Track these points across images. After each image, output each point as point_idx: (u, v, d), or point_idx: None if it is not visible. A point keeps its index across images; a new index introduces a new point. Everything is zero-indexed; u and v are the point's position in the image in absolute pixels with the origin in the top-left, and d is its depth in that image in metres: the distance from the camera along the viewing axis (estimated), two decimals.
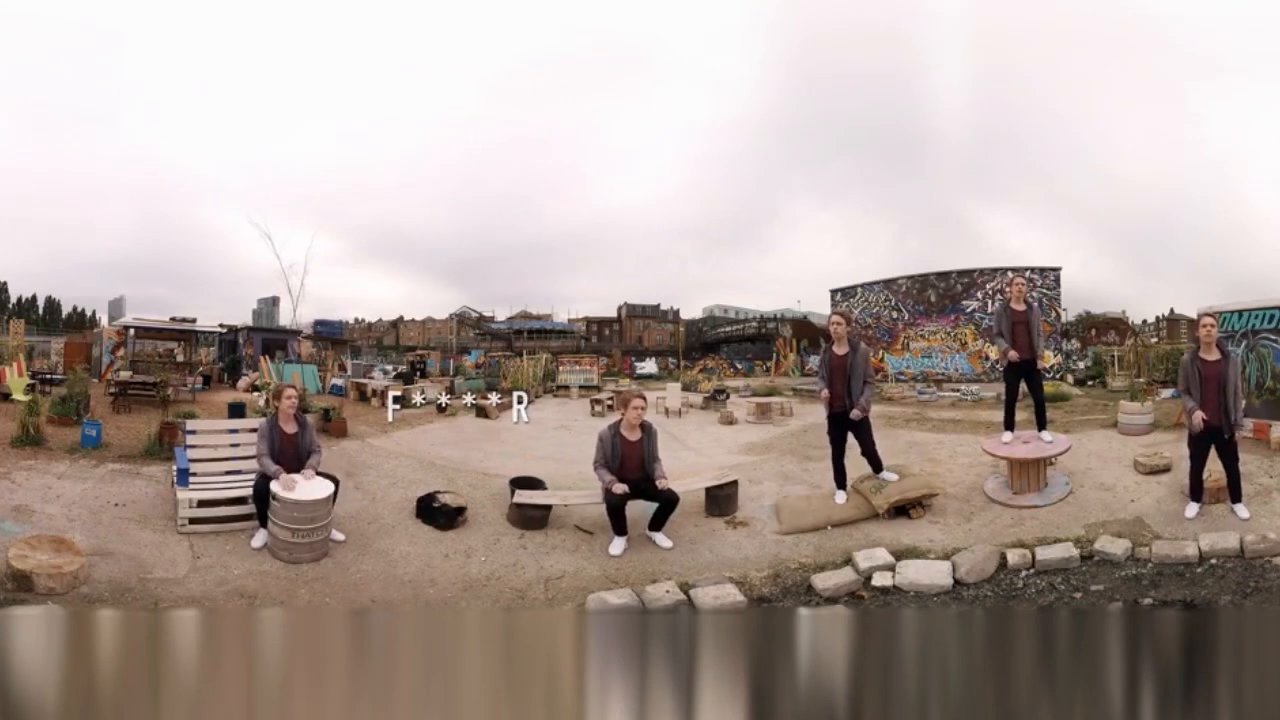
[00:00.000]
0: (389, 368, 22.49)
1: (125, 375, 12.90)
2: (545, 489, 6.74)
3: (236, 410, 9.77)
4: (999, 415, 8.03)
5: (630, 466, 5.81)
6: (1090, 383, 17.79)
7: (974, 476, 7.18)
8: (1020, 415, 7.35)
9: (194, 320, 19.88)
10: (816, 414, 9.06)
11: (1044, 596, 4.57)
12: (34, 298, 52.18)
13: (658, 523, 5.87)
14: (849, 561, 5.16)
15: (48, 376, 13.29)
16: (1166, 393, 12.16)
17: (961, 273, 20.51)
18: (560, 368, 20.76)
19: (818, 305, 42.79)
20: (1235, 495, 5.70)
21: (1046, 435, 6.93)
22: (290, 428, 5.73)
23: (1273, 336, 8.03)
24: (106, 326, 23.75)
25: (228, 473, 6.16)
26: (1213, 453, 5.70)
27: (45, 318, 49.17)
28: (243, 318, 39.60)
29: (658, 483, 5.76)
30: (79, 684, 2.35)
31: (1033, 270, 19.17)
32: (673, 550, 5.71)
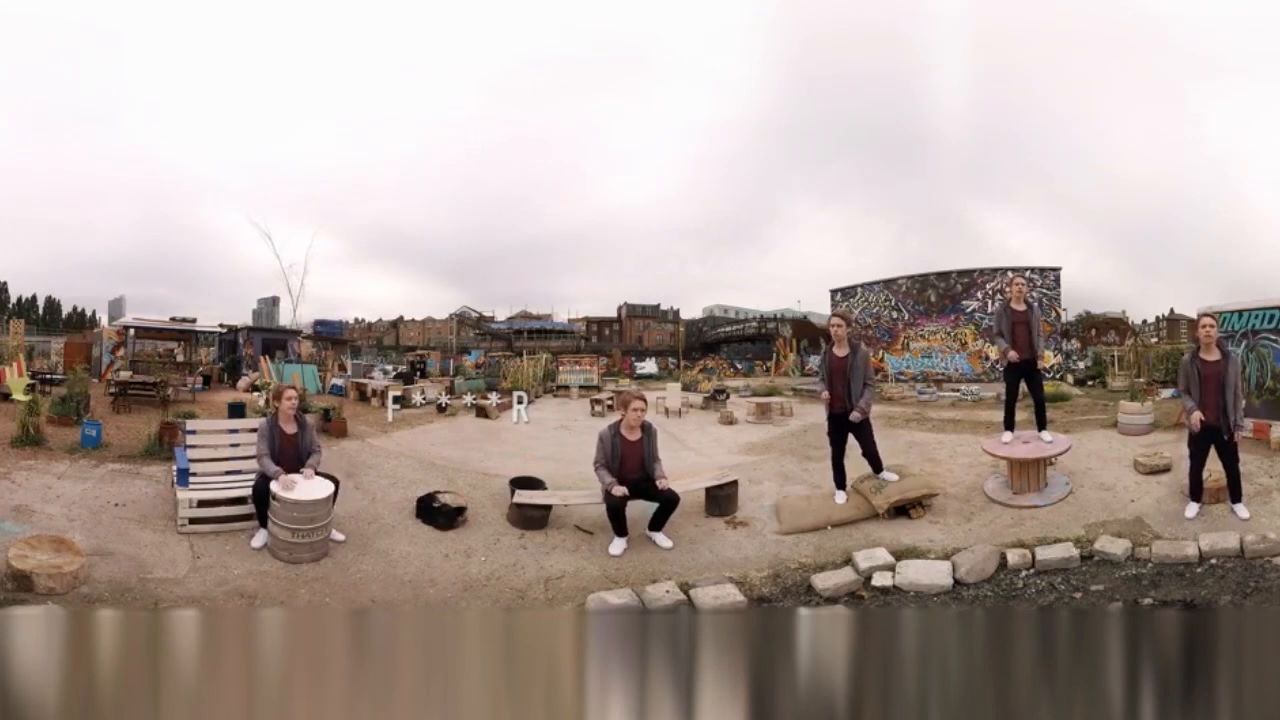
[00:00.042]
0: (389, 368, 22.50)
1: (125, 375, 12.91)
2: (545, 489, 6.74)
3: (236, 410, 9.78)
4: (999, 415, 8.04)
5: (630, 466, 5.81)
6: (1090, 383, 17.80)
7: (974, 476, 7.18)
8: (1020, 415, 7.35)
9: (194, 320, 19.89)
10: (816, 414, 9.07)
11: (1044, 596, 4.57)
12: (34, 298, 52.29)
13: (658, 523, 5.87)
14: (849, 561, 5.16)
15: (48, 376, 13.30)
16: (1166, 393, 12.16)
17: (961, 273, 20.52)
18: (560, 368, 20.77)
19: (818, 305, 42.87)
20: (1235, 495, 5.70)
21: (1046, 435, 6.94)
22: (290, 428, 5.73)
23: (1273, 336, 8.03)
24: (106, 326, 23.76)
25: (228, 473, 6.16)
26: (1213, 453, 5.70)
27: (45, 318, 49.23)
28: (243, 318, 39.71)
29: (658, 483, 5.76)
30: (79, 684, 2.35)
31: (1033, 270, 19.18)
32: (673, 550, 5.72)
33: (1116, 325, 35.43)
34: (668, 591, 4.63)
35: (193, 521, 5.50)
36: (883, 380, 19.25)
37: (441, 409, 13.40)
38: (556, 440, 11.10)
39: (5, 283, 50.81)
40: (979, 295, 19.97)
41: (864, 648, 2.68)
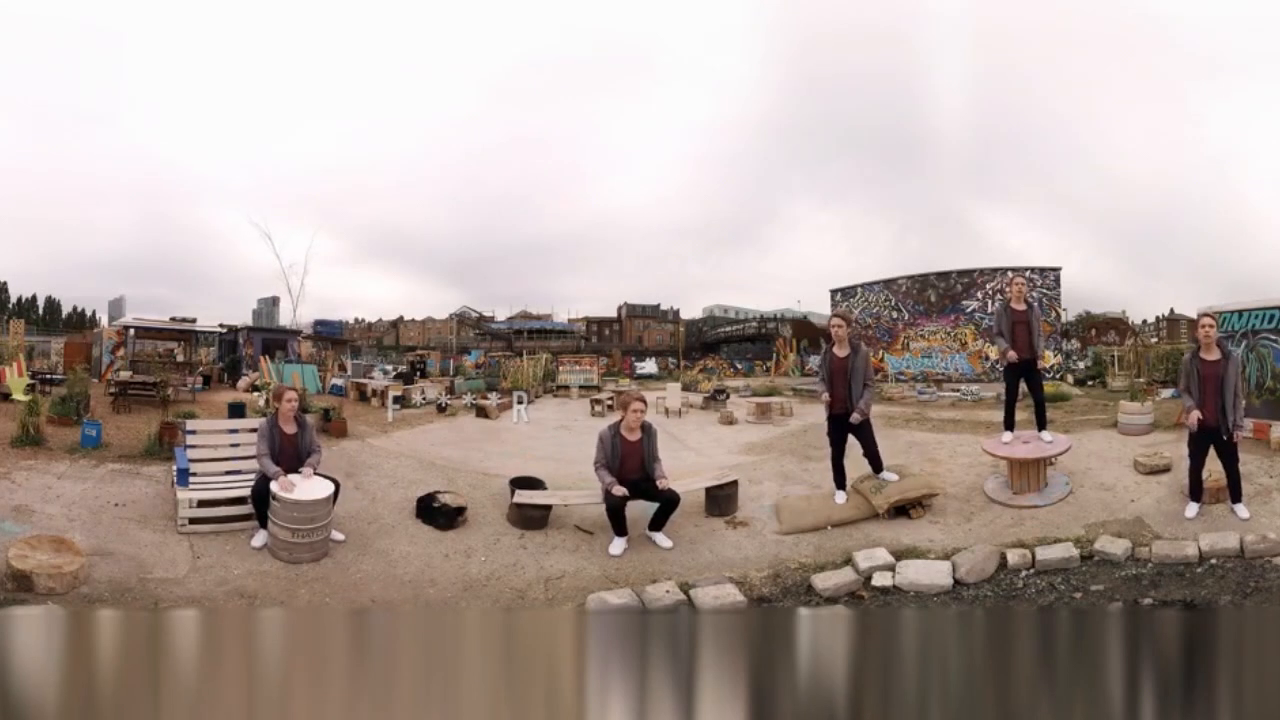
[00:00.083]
0: (389, 368, 22.49)
1: (125, 375, 12.92)
2: (545, 489, 6.74)
3: (236, 410, 9.78)
4: (999, 415, 8.04)
5: (630, 466, 5.81)
6: (1090, 383, 17.80)
7: (974, 476, 7.18)
8: (1020, 415, 7.35)
9: (194, 320, 19.89)
10: (816, 414, 9.07)
11: (1044, 596, 4.57)
12: (34, 298, 52.30)
13: (658, 523, 5.87)
14: (849, 561, 5.16)
15: (48, 376, 13.31)
16: (1166, 393, 12.16)
17: (961, 273, 20.52)
18: (560, 368, 20.77)
19: (818, 305, 42.89)
20: (1235, 495, 5.70)
21: (1046, 435, 6.94)
22: (290, 428, 5.73)
23: (1273, 336, 8.03)
24: (106, 326, 23.78)
25: (228, 473, 6.16)
26: (1213, 453, 5.71)
27: (45, 318, 49.23)
28: (243, 318, 39.72)
29: (658, 483, 5.76)
30: (79, 684, 2.35)
31: (1033, 270, 19.18)
32: (673, 550, 5.71)
33: (1116, 325, 35.44)
34: (668, 591, 4.63)
35: (193, 521, 5.50)
36: (883, 380, 19.25)
37: (441, 409, 13.40)
38: (556, 440, 11.10)
39: (5, 283, 50.85)
40: (979, 295, 19.97)
41: (864, 648, 2.68)
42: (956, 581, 4.79)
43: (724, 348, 46.38)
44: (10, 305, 49.33)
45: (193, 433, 6.45)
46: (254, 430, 6.01)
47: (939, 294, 20.58)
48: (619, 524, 5.69)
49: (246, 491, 5.56)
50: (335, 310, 54.48)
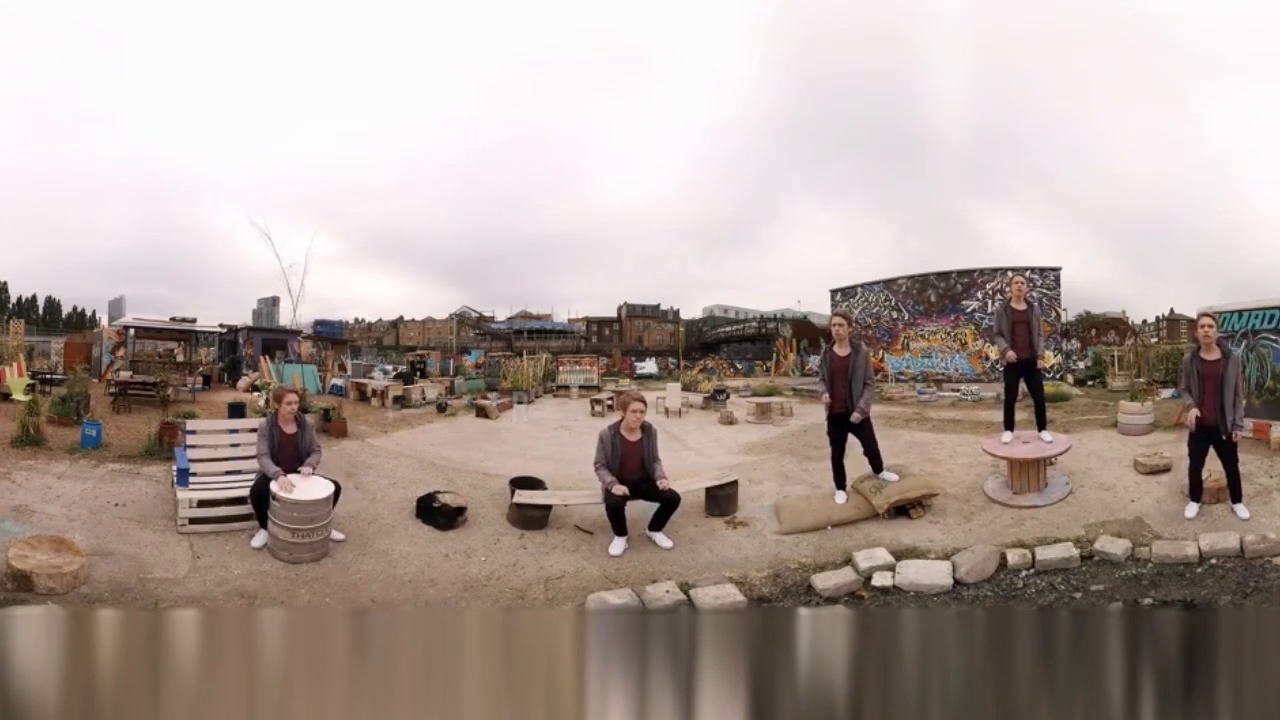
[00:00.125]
0: (389, 368, 22.48)
1: (125, 375, 12.91)
2: (545, 489, 6.74)
3: (236, 410, 9.78)
4: (999, 415, 8.04)
5: (630, 466, 5.81)
6: (1090, 383, 17.80)
7: (974, 476, 7.19)
8: (1020, 415, 7.35)
9: (194, 320, 19.90)
10: (816, 414, 9.07)
11: (1044, 596, 4.57)
12: (34, 298, 52.28)
13: (658, 523, 5.87)
14: (849, 561, 5.16)
15: (48, 376, 13.31)
16: (1166, 393, 12.16)
17: (961, 273, 20.52)
18: (560, 368, 20.77)
19: (818, 305, 42.90)
20: (1235, 495, 5.70)
21: (1046, 435, 6.94)
22: (290, 428, 5.73)
23: (1273, 336, 8.04)
24: (106, 326, 23.78)
25: (228, 473, 6.16)
26: (1213, 452, 5.71)
27: (45, 318, 49.23)
28: (243, 318, 39.72)
29: (659, 483, 5.76)
30: (79, 684, 2.35)
31: (1033, 270, 19.18)
32: (673, 550, 5.71)
33: (1116, 325, 35.44)
34: (668, 591, 4.63)
35: (193, 521, 5.50)
36: (883, 380, 19.25)
37: (442, 409, 13.40)
38: (556, 440, 11.10)
39: (5, 283, 50.84)
40: (979, 295, 19.97)
41: (864, 648, 2.68)
42: (956, 581, 4.79)
43: (724, 348, 46.37)
44: (10, 305, 49.33)
45: (193, 433, 6.45)
46: (254, 430, 6.01)
47: (939, 294, 20.58)
48: (619, 524, 5.69)
49: (246, 491, 5.56)
50: (335, 310, 54.50)
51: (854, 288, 22.36)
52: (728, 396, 16.23)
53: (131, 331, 18.37)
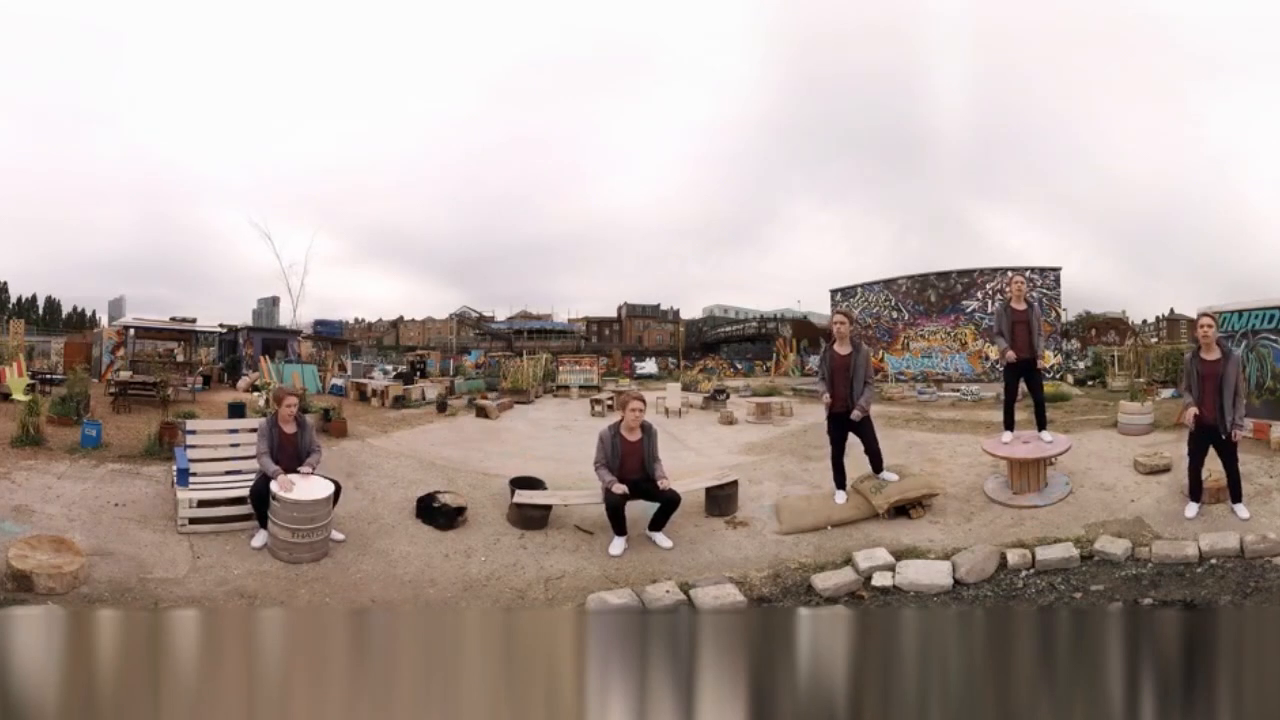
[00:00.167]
0: (389, 368, 22.49)
1: (125, 375, 12.91)
2: (545, 489, 6.74)
3: (236, 410, 9.78)
4: (999, 415, 8.04)
5: (630, 466, 5.81)
6: (1090, 383, 17.80)
7: (974, 476, 7.18)
8: (1020, 415, 7.35)
9: (194, 320, 19.89)
10: (816, 414, 9.07)
11: (1044, 596, 4.57)
12: (34, 298, 52.30)
13: (658, 523, 5.87)
14: (849, 561, 5.16)
15: (48, 376, 13.31)
16: (1166, 393, 12.17)
17: (961, 273, 20.52)
18: (560, 368, 20.76)
19: (818, 305, 42.89)
20: (1235, 495, 5.70)
21: (1046, 435, 6.94)
22: (290, 428, 5.73)
23: (1273, 336, 8.04)
24: (106, 326, 23.78)
25: (228, 473, 6.16)
26: (1213, 452, 5.71)
27: (45, 318, 49.24)
28: (243, 318, 39.72)
29: (659, 483, 5.76)
30: (79, 684, 2.35)
31: (1033, 270, 19.18)
32: (673, 550, 5.71)
33: (1116, 325, 35.43)
34: (668, 591, 4.63)
35: (193, 521, 5.50)
36: (883, 380, 19.25)
37: (442, 409, 13.40)
38: (556, 440, 11.10)
39: (5, 283, 50.86)
40: (979, 295, 19.97)
41: (864, 648, 2.68)
42: (956, 581, 4.79)
43: (724, 348, 46.36)
44: (10, 305, 49.34)
45: (193, 433, 6.45)
46: (254, 430, 6.01)
47: (939, 294, 20.58)
48: (619, 523, 5.69)
49: (246, 491, 5.56)
50: (335, 310, 54.52)
51: (854, 288, 22.36)
52: (728, 396, 16.23)
53: (131, 331, 18.37)
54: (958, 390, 16.18)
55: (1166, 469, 6.71)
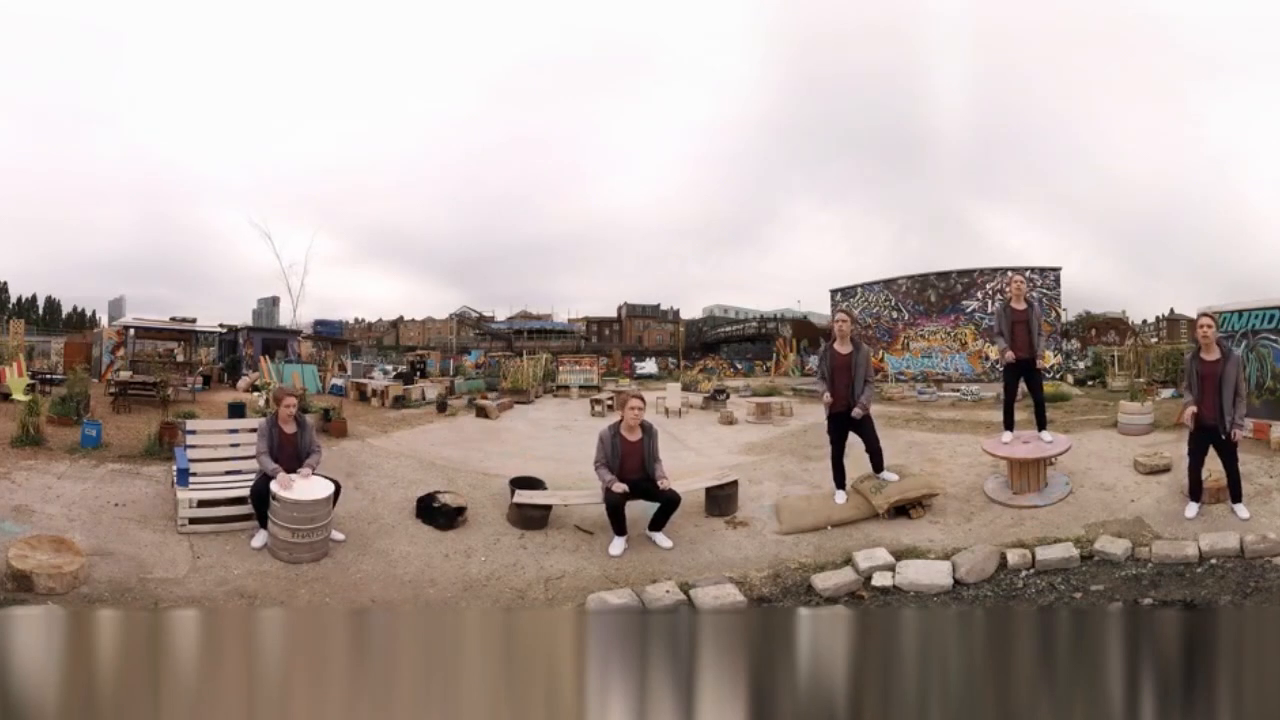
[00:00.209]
0: (389, 368, 22.49)
1: (125, 375, 12.91)
2: (545, 489, 6.74)
3: (236, 410, 9.78)
4: (999, 415, 8.04)
5: (630, 466, 5.81)
6: (1090, 383, 17.80)
7: (974, 476, 7.18)
8: (1020, 415, 7.35)
9: (194, 320, 19.89)
10: (816, 414, 9.07)
11: (1044, 596, 4.57)
12: (34, 298, 52.29)
13: (658, 523, 5.87)
14: (849, 561, 5.16)
15: (48, 376, 13.30)
16: (1166, 393, 12.17)
17: (961, 273, 20.52)
18: (560, 368, 20.77)
19: (818, 305, 42.89)
20: (1235, 495, 5.70)
21: (1046, 435, 6.93)
22: (290, 428, 5.73)
23: (1273, 336, 8.03)
24: (106, 326, 23.78)
25: (228, 473, 6.16)
26: (1213, 452, 5.71)
27: (45, 318, 49.24)
28: (243, 318, 39.72)
29: (659, 483, 5.76)
30: (79, 684, 2.35)
31: (1033, 270, 19.19)
32: (673, 550, 5.71)
33: (1116, 325, 35.43)
34: (668, 591, 4.63)
35: (193, 521, 5.50)
36: (883, 380, 19.25)
37: (442, 409, 13.40)
38: (556, 440, 11.09)
39: (5, 283, 50.85)
40: (979, 295, 19.98)
41: (864, 648, 2.68)
42: (956, 581, 4.79)
43: (724, 348, 46.35)
44: (10, 305, 49.33)
45: (193, 433, 6.45)
46: (254, 430, 6.01)
47: (939, 294, 20.58)
48: (619, 523, 5.69)
49: (246, 491, 5.56)
50: (335, 310, 54.52)
51: (854, 288, 22.36)
52: (728, 396, 16.23)
53: (131, 331, 18.37)
54: (958, 390, 16.18)
55: (1166, 469, 6.71)
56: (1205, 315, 5.95)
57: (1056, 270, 19.43)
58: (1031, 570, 4.97)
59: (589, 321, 55.29)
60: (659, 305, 57.15)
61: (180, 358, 19.34)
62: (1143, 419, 8.87)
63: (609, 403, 14.35)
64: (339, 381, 17.06)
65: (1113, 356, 21.03)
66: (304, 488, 5.37)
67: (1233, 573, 4.65)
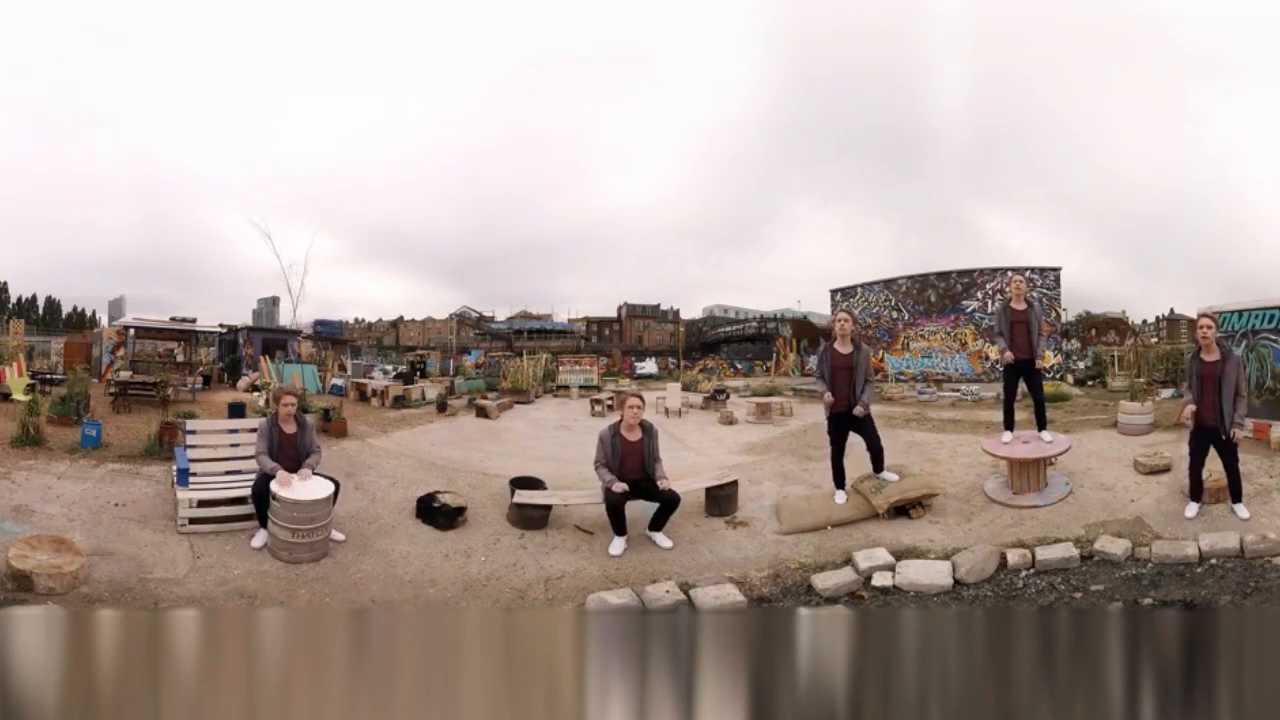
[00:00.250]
0: (389, 368, 22.49)
1: (125, 375, 12.91)
2: (545, 489, 6.74)
3: (236, 410, 9.78)
4: (999, 415, 8.04)
5: (630, 466, 5.81)
6: (1090, 383, 17.80)
7: (974, 476, 7.18)
8: (1020, 415, 7.35)
9: (194, 320, 19.89)
10: (816, 414, 9.07)
11: (1044, 596, 4.57)
12: (34, 298, 52.30)
13: (658, 523, 5.87)
14: (849, 561, 5.16)
15: (48, 376, 13.30)
16: (1166, 393, 12.17)
17: (961, 273, 20.52)
18: (560, 368, 20.77)
19: (818, 305, 42.90)
20: (1235, 495, 5.70)
21: (1046, 435, 6.93)
22: (290, 428, 5.73)
23: (1273, 336, 8.03)
24: (106, 326, 23.78)
25: (228, 473, 6.16)
26: (1213, 452, 5.71)
27: (45, 318, 49.24)
28: (243, 318, 39.72)
29: (659, 483, 5.76)
30: (79, 684, 2.35)
31: (1033, 270, 19.19)
32: (673, 550, 5.71)
33: (1116, 325, 35.43)
34: (668, 591, 4.63)
35: (193, 521, 5.50)
36: (883, 380, 19.25)
37: (442, 409, 13.40)
38: (556, 440, 11.09)
39: (5, 283, 50.84)
40: (979, 295, 19.98)
41: (864, 648, 2.68)
42: (956, 581, 4.79)
43: (724, 348, 46.35)
44: (10, 305, 49.33)
45: (193, 433, 6.45)
46: (254, 430, 6.01)
47: (939, 294, 20.58)
48: (619, 523, 5.69)
49: (246, 491, 5.56)
50: (335, 310, 54.54)
51: (854, 288, 22.36)
52: (728, 396, 16.23)
53: (131, 331, 18.37)
54: (958, 390, 16.18)
55: (1166, 469, 6.71)
56: (1205, 316, 5.95)
57: (1056, 270, 19.44)
58: (1031, 570, 4.97)
59: (589, 321, 55.29)
60: (659, 305, 57.19)
61: (180, 358, 19.34)
62: (1143, 419, 8.87)
63: (609, 403, 14.35)
64: (339, 381, 17.06)
65: (1113, 356, 21.03)
66: (304, 488, 5.37)
67: (1233, 573, 4.64)
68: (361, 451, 8.80)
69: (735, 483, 6.72)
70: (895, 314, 21.19)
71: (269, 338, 23.20)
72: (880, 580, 4.84)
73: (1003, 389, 7.48)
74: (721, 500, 6.52)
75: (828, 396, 6.35)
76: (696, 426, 12.55)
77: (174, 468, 6.11)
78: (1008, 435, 7.03)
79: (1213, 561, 4.86)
